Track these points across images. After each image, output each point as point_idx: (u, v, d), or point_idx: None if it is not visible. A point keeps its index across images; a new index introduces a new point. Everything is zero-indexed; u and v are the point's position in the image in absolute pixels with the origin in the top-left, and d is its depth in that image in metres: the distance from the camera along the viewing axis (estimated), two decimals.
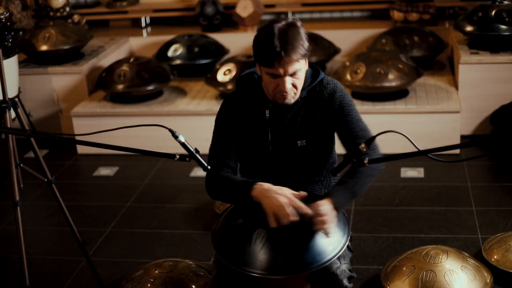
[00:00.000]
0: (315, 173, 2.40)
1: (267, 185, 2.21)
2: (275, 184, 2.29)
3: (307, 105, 2.34)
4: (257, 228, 2.17)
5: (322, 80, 2.37)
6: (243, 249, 2.15)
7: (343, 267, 2.26)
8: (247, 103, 2.38)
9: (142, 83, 4.69)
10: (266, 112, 2.34)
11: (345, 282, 2.23)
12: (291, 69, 2.19)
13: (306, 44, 2.21)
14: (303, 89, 2.32)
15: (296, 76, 2.22)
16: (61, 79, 5.00)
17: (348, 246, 2.37)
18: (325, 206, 2.14)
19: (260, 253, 2.12)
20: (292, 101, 2.29)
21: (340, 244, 2.17)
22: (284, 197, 2.14)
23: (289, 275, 2.11)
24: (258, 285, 2.30)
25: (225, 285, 2.26)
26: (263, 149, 2.36)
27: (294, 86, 2.25)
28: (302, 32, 2.22)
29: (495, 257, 3.06)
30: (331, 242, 2.16)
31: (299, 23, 2.24)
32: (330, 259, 2.13)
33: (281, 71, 2.19)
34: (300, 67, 2.21)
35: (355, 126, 2.35)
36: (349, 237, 2.24)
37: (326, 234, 2.13)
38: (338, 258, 2.25)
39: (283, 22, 2.21)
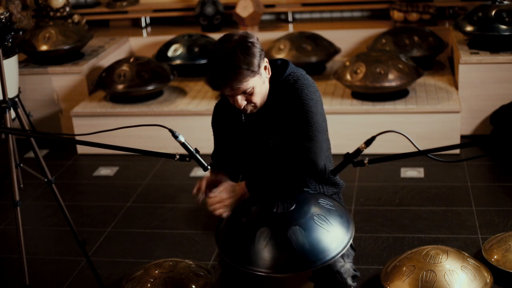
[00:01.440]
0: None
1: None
2: (263, 183, 2.36)
3: (274, 103, 2.36)
4: (260, 227, 2.17)
5: (288, 77, 2.35)
6: (247, 248, 2.16)
7: (347, 266, 2.26)
8: (229, 108, 2.43)
9: (142, 83, 4.68)
10: (242, 116, 2.40)
11: (349, 281, 2.24)
12: (237, 91, 2.23)
13: (254, 63, 2.19)
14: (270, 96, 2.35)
15: (248, 92, 2.25)
16: (61, 79, 5.01)
17: (351, 245, 2.37)
18: (222, 190, 2.32)
19: (264, 252, 2.12)
20: (255, 111, 2.33)
21: (343, 242, 2.17)
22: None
23: (293, 273, 2.12)
24: (262, 284, 2.31)
25: (230, 284, 2.27)
26: (243, 151, 2.43)
27: (249, 100, 2.28)
28: (252, 50, 2.19)
29: (495, 257, 3.06)
30: (335, 240, 2.16)
31: (250, 39, 2.21)
32: (334, 256, 2.13)
33: (228, 93, 2.25)
34: (249, 86, 2.23)
35: (302, 123, 2.28)
36: (353, 235, 2.24)
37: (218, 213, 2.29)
38: (342, 257, 2.26)
39: (234, 38, 2.21)
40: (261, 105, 2.33)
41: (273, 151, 2.37)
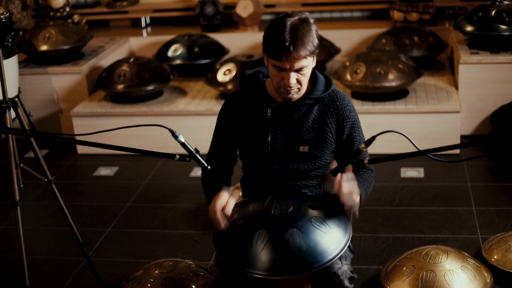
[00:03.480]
0: (313, 178, 2.40)
1: (221, 193, 2.23)
2: (272, 186, 2.36)
3: (315, 113, 2.34)
4: (258, 229, 2.17)
5: (334, 92, 2.36)
6: (244, 250, 2.15)
7: (344, 268, 2.26)
8: (249, 102, 2.39)
9: (142, 83, 4.69)
10: (268, 112, 2.34)
11: (346, 282, 2.23)
12: (297, 65, 2.18)
13: (315, 41, 2.22)
14: (311, 97, 2.32)
15: (301, 72, 2.21)
16: (61, 79, 5.01)
17: (349, 247, 2.37)
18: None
19: (262, 254, 2.12)
20: (296, 96, 2.27)
21: (341, 244, 2.17)
22: (216, 205, 2.20)
23: (291, 276, 2.12)
24: (259, 286, 2.30)
25: (226, 286, 2.26)
26: (262, 148, 2.36)
27: (299, 82, 2.23)
28: (313, 29, 2.22)
29: (495, 257, 3.06)
30: (333, 242, 2.16)
31: (311, 20, 2.24)
32: (332, 259, 2.13)
33: (288, 65, 2.18)
34: (306, 64, 2.20)
35: (358, 146, 2.40)
36: (350, 238, 2.24)
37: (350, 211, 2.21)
38: (340, 259, 2.25)
39: (296, 17, 2.20)
40: (300, 96, 2.29)
41: (300, 157, 2.34)
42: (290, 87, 2.22)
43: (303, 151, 2.33)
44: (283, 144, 2.34)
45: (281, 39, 2.15)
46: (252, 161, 2.42)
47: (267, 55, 2.23)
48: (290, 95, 2.26)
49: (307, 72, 2.24)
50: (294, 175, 2.37)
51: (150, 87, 4.69)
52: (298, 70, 2.20)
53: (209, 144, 2.53)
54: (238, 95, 2.43)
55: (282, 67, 2.19)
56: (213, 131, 2.51)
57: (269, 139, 2.34)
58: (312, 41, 2.20)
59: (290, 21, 2.18)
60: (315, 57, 2.28)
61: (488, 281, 2.86)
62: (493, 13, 4.50)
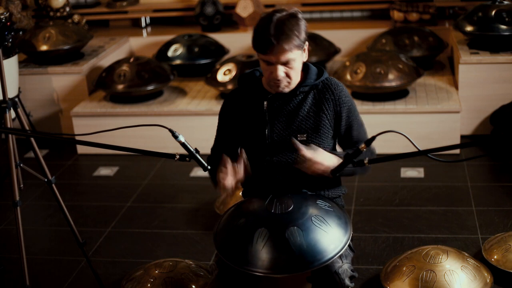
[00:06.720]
0: None
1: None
2: (272, 177, 2.39)
3: (311, 101, 2.37)
4: (258, 228, 2.17)
5: (328, 80, 2.41)
6: (244, 248, 2.16)
7: (345, 267, 2.26)
8: (247, 97, 2.43)
9: (142, 83, 4.69)
10: (264, 103, 2.38)
11: (347, 281, 2.24)
12: (283, 58, 2.24)
13: (302, 35, 2.25)
14: (304, 84, 2.35)
15: (289, 66, 2.26)
16: (61, 79, 5.01)
17: (349, 246, 2.38)
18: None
19: (262, 252, 2.13)
20: (287, 90, 2.33)
21: (341, 243, 2.18)
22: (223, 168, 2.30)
23: (291, 274, 2.12)
24: (259, 285, 2.31)
25: (227, 285, 2.27)
26: (261, 140, 2.39)
27: (288, 75, 2.29)
28: (301, 23, 2.26)
29: (495, 257, 3.07)
30: (333, 241, 2.16)
31: (300, 15, 2.28)
32: (332, 257, 2.14)
33: (273, 59, 2.24)
34: (293, 57, 2.25)
35: (357, 133, 2.43)
36: (350, 237, 2.24)
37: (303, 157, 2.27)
38: (340, 258, 2.26)
39: (284, 13, 2.26)
40: (291, 88, 2.34)
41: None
42: (279, 80, 2.28)
43: (301, 139, 2.36)
44: (280, 134, 2.37)
45: (266, 33, 2.22)
46: (252, 153, 2.44)
47: (255, 50, 2.29)
48: (281, 89, 2.32)
49: (296, 66, 2.29)
50: (293, 171, 2.37)
51: (150, 87, 4.69)
52: (285, 64, 2.26)
53: (209, 144, 2.58)
54: (236, 92, 2.48)
55: (269, 60, 2.25)
56: (213, 131, 2.56)
57: (266, 130, 2.37)
58: (298, 35, 2.24)
59: (277, 16, 2.25)
60: (304, 51, 2.32)
61: (488, 281, 2.86)
62: (493, 13, 4.50)
